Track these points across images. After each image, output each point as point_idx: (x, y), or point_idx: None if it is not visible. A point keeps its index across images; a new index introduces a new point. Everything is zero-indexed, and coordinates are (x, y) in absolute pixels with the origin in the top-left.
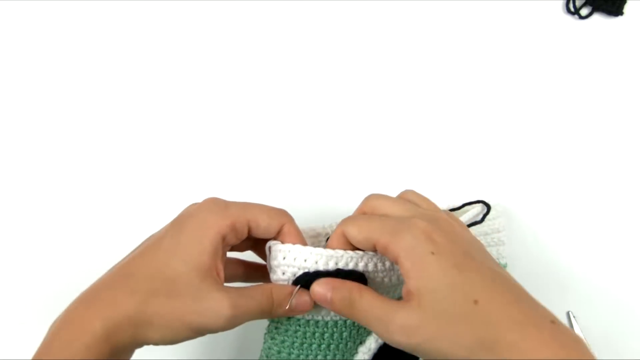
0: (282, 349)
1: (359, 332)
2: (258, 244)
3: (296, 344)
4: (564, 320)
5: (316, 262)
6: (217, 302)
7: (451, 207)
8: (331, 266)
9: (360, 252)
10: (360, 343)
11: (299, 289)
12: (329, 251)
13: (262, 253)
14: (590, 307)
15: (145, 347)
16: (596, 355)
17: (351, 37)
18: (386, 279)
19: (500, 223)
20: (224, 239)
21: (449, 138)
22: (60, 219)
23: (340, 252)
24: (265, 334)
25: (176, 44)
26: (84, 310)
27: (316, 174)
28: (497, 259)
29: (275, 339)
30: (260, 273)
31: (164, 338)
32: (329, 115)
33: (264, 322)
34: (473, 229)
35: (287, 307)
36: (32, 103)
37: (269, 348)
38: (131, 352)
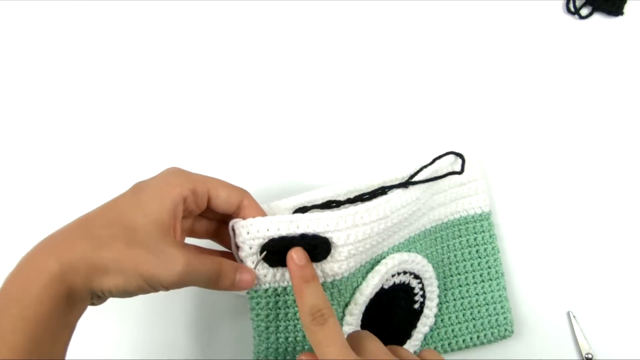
0: (268, 323)
1: (341, 293)
2: (219, 232)
3: (281, 315)
4: (564, 320)
5: (278, 229)
6: (173, 256)
7: (431, 174)
8: (293, 230)
9: (318, 214)
10: (346, 305)
11: (243, 265)
12: (289, 216)
13: (222, 241)
14: (590, 307)
15: (147, 347)
16: (596, 355)
17: (329, 15)
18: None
19: (476, 172)
20: (184, 200)
21: (442, 129)
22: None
23: (299, 215)
24: (251, 312)
25: (151, 27)
26: (39, 254)
27: (279, 149)
28: (480, 207)
29: (260, 315)
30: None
31: (117, 285)
32: (298, 90)
33: None
34: (449, 180)
35: (231, 282)
36: (18, 95)
37: (257, 327)
38: (86, 300)
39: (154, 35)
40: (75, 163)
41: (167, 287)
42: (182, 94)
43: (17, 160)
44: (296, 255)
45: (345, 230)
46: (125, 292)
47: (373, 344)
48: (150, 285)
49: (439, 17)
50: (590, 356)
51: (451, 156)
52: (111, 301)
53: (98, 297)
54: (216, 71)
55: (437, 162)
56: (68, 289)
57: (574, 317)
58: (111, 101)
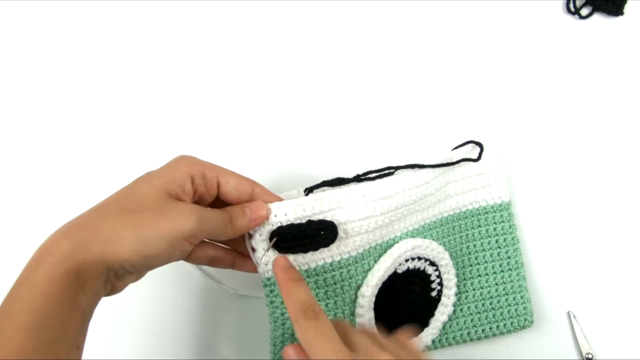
0: (283, 310)
1: (351, 274)
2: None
3: None
4: (564, 320)
5: (286, 215)
6: (183, 208)
7: (444, 160)
8: (299, 214)
9: (321, 194)
10: (358, 288)
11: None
12: (294, 200)
13: (235, 247)
14: (590, 307)
15: (150, 347)
16: (596, 355)
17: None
18: (360, 227)
19: (496, 161)
20: (192, 180)
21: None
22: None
23: (304, 199)
24: (266, 299)
25: (155, 25)
26: (52, 238)
27: (295, 141)
28: (500, 197)
29: (275, 302)
30: (229, 257)
31: (135, 251)
32: (312, 83)
33: (263, 320)
34: (467, 169)
35: (247, 220)
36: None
37: (273, 313)
38: (98, 278)
39: (159, 33)
40: (84, 162)
41: (190, 241)
42: (186, 91)
43: (18, 161)
44: (281, 261)
45: (347, 208)
46: (146, 259)
47: (364, 339)
48: (170, 245)
49: (440, 17)
50: (590, 356)
51: (470, 146)
52: (111, 301)
53: (117, 276)
54: (221, 68)
55: (457, 151)
56: (77, 266)
57: (574, 317)
58: (117, 100)
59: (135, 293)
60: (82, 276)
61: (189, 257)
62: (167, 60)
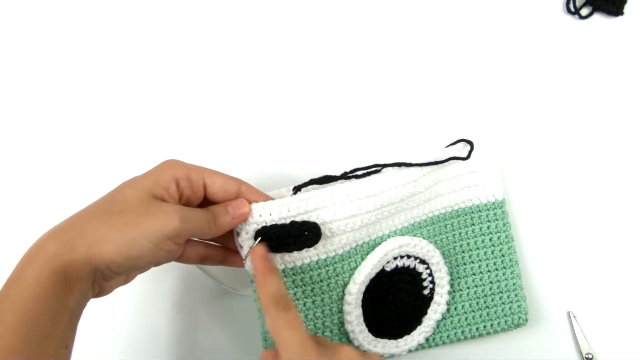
0: None
1: (337, 272)
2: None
3: None
4: (564, 320)
5: (270, 215)
6: (167, 208)
7: (434, 159)
8: (284, 214)
9: (306, 194)
10: (345, 285)
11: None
12: (279, 201)
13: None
14: (590, 307)
15: (147, 346)
16: (596, 355)
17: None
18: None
19: (489, 160)
20: (177, 183)
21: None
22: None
23: (289, 199)
24: (253, 295)
25: (146, 25)
26: (41, 240)
27: (286, 141)
28: (493, 195)
29: None
30: (220, 254)
31: (120, 251)
32: (305, 81)
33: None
34: (458, 168)
35: (230, 217)
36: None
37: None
38: (84, 279)
39: (149, 33)
40: (74, 163)
41: (174, 241)
42: (176, 92)
43: (8, 166)
44: (259, 251)
45: (332, 207)
46: (131, 259)
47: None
48: (155, 244)
49: (439, 17)
50: (590, 356)
51: (462, 145)
52: (108, 301)
53: (104, 277)
54: (212, 67)
55: (447, 150)
56: (64, 267)
57: (574, 317)
58: (105, 103)
59: (131, 292)
60: (69, 277)
61: (180, 257)
62: (153, 62)
